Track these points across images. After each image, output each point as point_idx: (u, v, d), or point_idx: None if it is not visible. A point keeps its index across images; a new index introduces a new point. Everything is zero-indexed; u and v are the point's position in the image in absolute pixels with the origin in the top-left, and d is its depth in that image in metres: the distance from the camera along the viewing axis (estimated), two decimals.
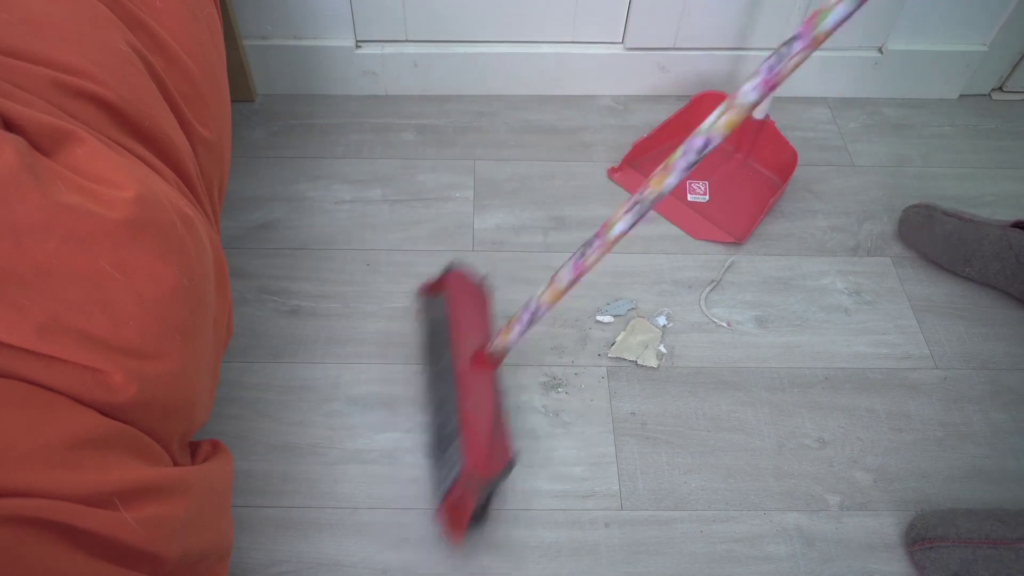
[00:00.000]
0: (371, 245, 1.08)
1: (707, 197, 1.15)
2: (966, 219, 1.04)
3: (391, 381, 0.95)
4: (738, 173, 1.18)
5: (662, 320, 1.00)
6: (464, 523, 0.78)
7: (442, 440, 0.83)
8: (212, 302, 0.61)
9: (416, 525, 0.84)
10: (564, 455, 0.90)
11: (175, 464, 0.58)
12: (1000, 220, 1.03)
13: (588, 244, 0.71)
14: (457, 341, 0.85)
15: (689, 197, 1.15)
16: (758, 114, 1.11)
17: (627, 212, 0.68)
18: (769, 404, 0.94)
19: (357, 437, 0.90)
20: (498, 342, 0.81)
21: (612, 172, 1.18)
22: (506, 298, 1.03)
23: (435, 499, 0.78)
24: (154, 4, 0.70)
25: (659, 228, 1.12)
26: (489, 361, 0.84)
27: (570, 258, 0.73)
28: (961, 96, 1.32)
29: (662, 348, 0.98)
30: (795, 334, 1.01)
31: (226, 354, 0.96)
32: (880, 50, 1.25)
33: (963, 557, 0.77)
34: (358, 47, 1.22)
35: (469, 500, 0.76)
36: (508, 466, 0.79)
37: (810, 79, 1.28)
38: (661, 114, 1.24)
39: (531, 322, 0.77)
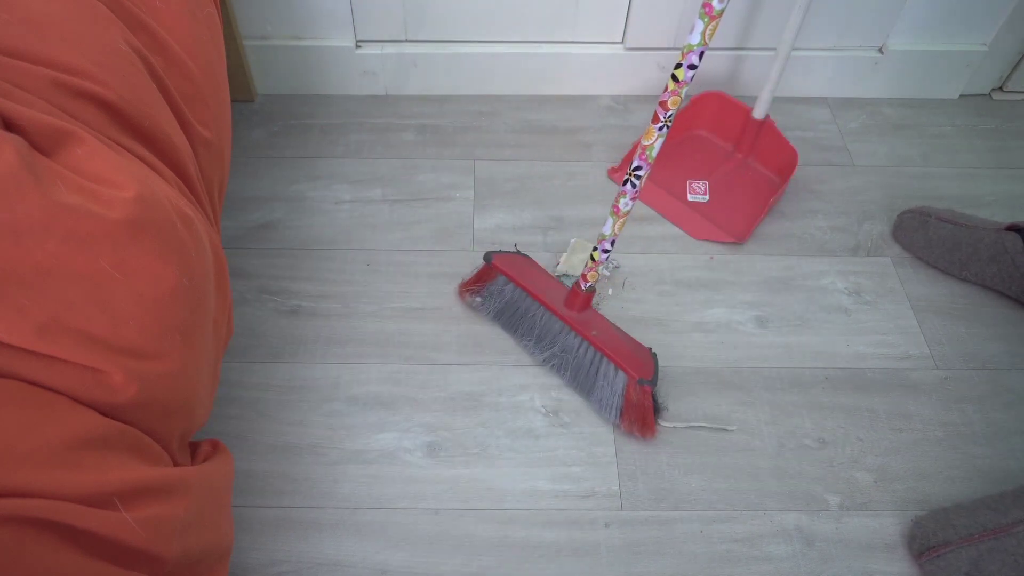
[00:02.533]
0: (371, 245, 1.09)
1: (707, 197, 1.15)
2: (960, 224, 1.04)
3: (391, 381, 0.95)
4: (738, 173, 1.18)
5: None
6: (652, 419, 0.90)
7: (588, 375, 0.93)
8: (212, 302, 0.61)
9: (416, 525, 0.84)
10: (564, 455, 0.90)
11: (175, 464, 0.58)
12: (994, 222, 1.04)
13: (635, 171, 0.80)
14: (543, 300, 0.95)
15: (689, 197, 1.15)
16: (758, 114, 1.11)
17: (658, 130, 0.77)
18: (769, 404, 0.94)
19: (357, 437, 0.90)
20: (589, 279, 0.92)
21: (612, 172, 1.18)
22: None
23: (612, 417, 0.91)
24: (154, 4, 0.70)
25: (659, 228, 1.12)
26: (583, 299, 0.93)
27: (624, 191, 0.83)
28: (961, 96, 1.32)
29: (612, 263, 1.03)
30: (795, 334, 1.01)
31: (226, 354, 0.96)
32: (880, 50, 1.25)
33: (970, 556, 0.78)
34: (358, 47, 1.22)
35: (646, 399, 0.88)
36: (655, 359, 0.92)
37: (810, 79, 1.28)
38: None
39: (609, 251, 0.89)
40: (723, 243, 1.10)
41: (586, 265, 0.91)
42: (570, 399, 0.94)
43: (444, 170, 1.18)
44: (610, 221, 0.86)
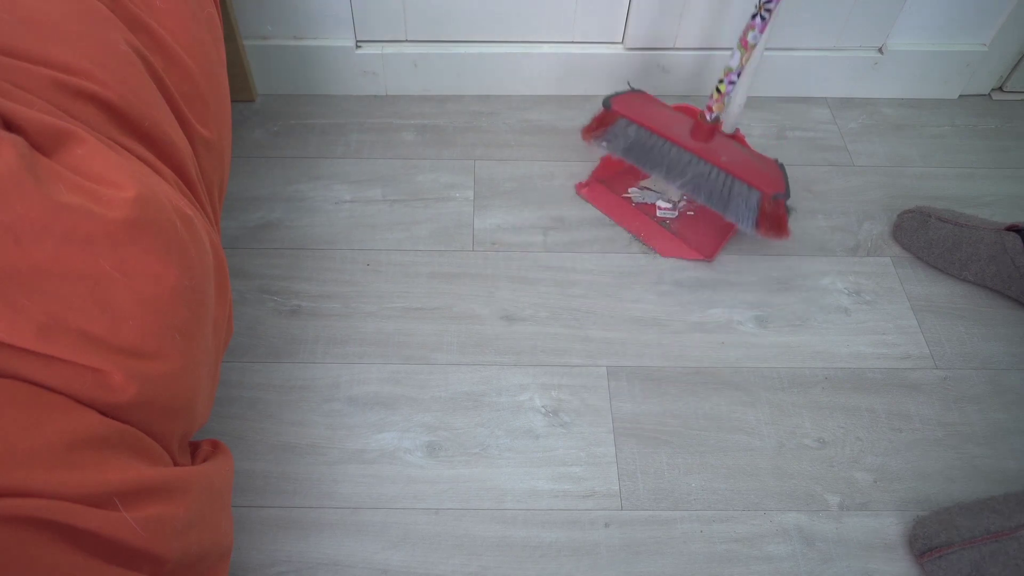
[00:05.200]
0: (371, 245, 1.09)
1: (676, 212, 1.12)
2: (960, 224, 1.04)
3: (391, 381, 0.95)
4: None
5: None
6: (786, 224, 0.98)
7: (721, 196, 0.99)
8: (212, 302, 0.61)
9: (416, 525, 0.84)
10: (564, 455, 0.90)
11: (175, 464, 0.58)
12: (995, 223, 1.04)
13: (767, 4, 0.86)
14: (668, 135, 1.00)
15: (658, 212, 1.13)
16: (727, 128, 1.09)
17: None
18: (769, 404, 0.95)
19: (357, 437, 0.90)
20: (714, 109, 0.96)
21: (580, 187, 1.16)
22: (507, 298, 1.03)
23: (748, 227, 0.98)
24: (154, 4, 0.70)
25: None
26: (708, 129, 0.98)
27: (752, 24, 0.88)
28: (961, 96, 1.32)
29: None
30: (795, 334, 1.01)
31: (226, 354, 0.96)
32: (880, 50, 1.25)
33: (972, 558, 0.78)
34: (358, 47, 1.22)
35: (780, 210, 0.96)
36: (783, 169, 0.98)
37: (810, 79, 1.28)
38: None
39: (735, 83, 0.93)
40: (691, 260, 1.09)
41: (711, 97, 0.95)
42: (570, 399, 0.94)
43: (444, 170, 1.18)
44: (737, 54, 0.90)
